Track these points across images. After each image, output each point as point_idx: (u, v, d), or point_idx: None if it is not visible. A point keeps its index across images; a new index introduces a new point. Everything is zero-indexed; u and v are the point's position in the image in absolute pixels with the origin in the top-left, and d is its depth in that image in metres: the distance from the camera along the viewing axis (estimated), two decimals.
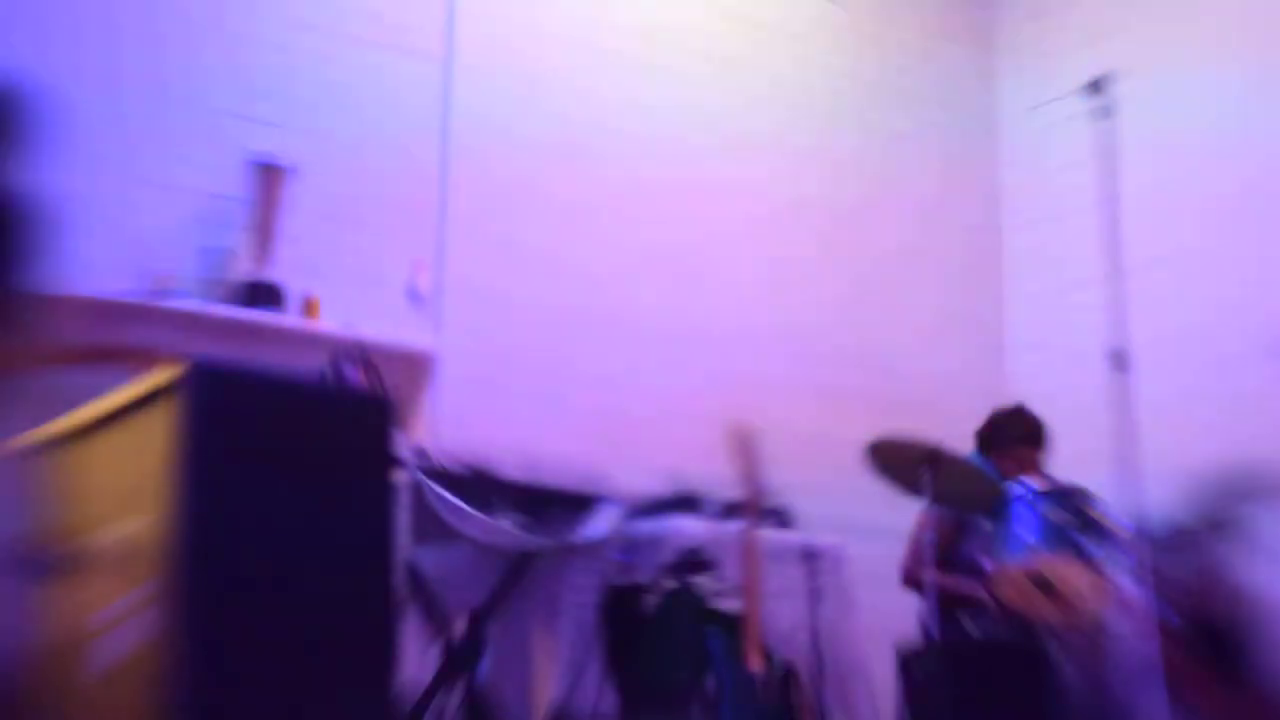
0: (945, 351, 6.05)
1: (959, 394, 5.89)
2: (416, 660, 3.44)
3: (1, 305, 2.70)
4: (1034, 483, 4.27)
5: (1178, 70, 5.62)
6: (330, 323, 4.42)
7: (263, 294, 4.38)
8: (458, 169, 5.00)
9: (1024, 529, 4.19)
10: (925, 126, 6.28)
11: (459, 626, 3.57)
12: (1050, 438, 4.67)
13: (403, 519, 3.14)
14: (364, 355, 4.00)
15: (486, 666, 3.62)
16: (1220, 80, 5.52)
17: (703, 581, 3.68)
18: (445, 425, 4.58)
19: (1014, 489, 4.20)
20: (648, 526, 3.81)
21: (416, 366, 4.53)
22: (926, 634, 4.01)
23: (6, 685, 2.63)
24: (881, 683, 4.24)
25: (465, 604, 3.58)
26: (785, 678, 3.77)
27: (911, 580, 4.46)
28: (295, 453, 2.50)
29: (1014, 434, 4.67)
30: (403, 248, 4.70)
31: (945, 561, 4.41)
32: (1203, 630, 4.00)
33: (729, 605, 3.67)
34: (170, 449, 2.35)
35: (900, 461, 4.02)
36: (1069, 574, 4.04)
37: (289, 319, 4.41)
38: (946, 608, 4.04)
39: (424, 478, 3.29)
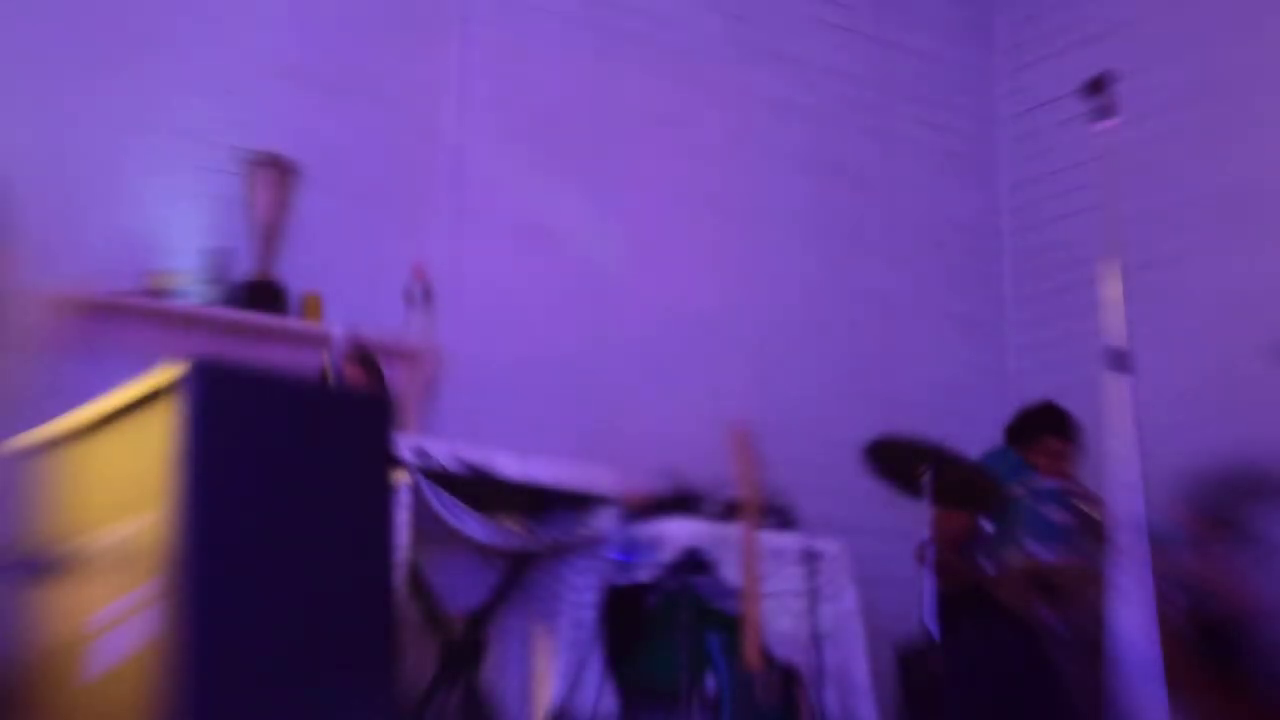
0: (945, 352, 6.05)
1: (959, 394, 5.90)
2: (416, 660, 3.44)
3: None
4: (1035, 482, 4.27)
5: (1177, 69, 5.61)
6: (331, 322, 4.42)
7: (263, 294, 4.38)
8: (459, 168, 5.01)
9: (1025, 529, 4.18)
10: (925, 126, 6.28)
11: (459, 626, 3.57)
12: (1081, 431, 4.67)
13: (403, 519, 3.14)
14: (365, 354, 4.01)
15: (486, 666, 3.62)
16: (1219, 78, 5.52)
17: (703, 581, 3.68)
18: (446, 425, 4.58)
19: (1015, 489, 4.20)
20: (648, 526, 3.81)
21: (417, 366, 4.53)
22: (926, 634, 4.01)
23: (6, 685, 2.63)
24: (881, 683, 4.24)
25: (465, 604, 3.58)
26: (785, 678, 3.77)
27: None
28: (295, 452, 2.49)
29: (1040, 425, 4.69)
30: (403, 247, 4.70)
31: (948, 562, 4.41)
32: (1204, 630, 4.00)
33: (729, 605, 3.68)
34: (170, 449, 2.34)
35: (900, 461, 4.01)
36: (1070, 574, 4.04)
37: (289, 319, 4.41)
38: (946, 608, 4.04)
39: (424, 478, 3.29)
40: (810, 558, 3.84)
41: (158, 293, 4.22)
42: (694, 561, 3.68)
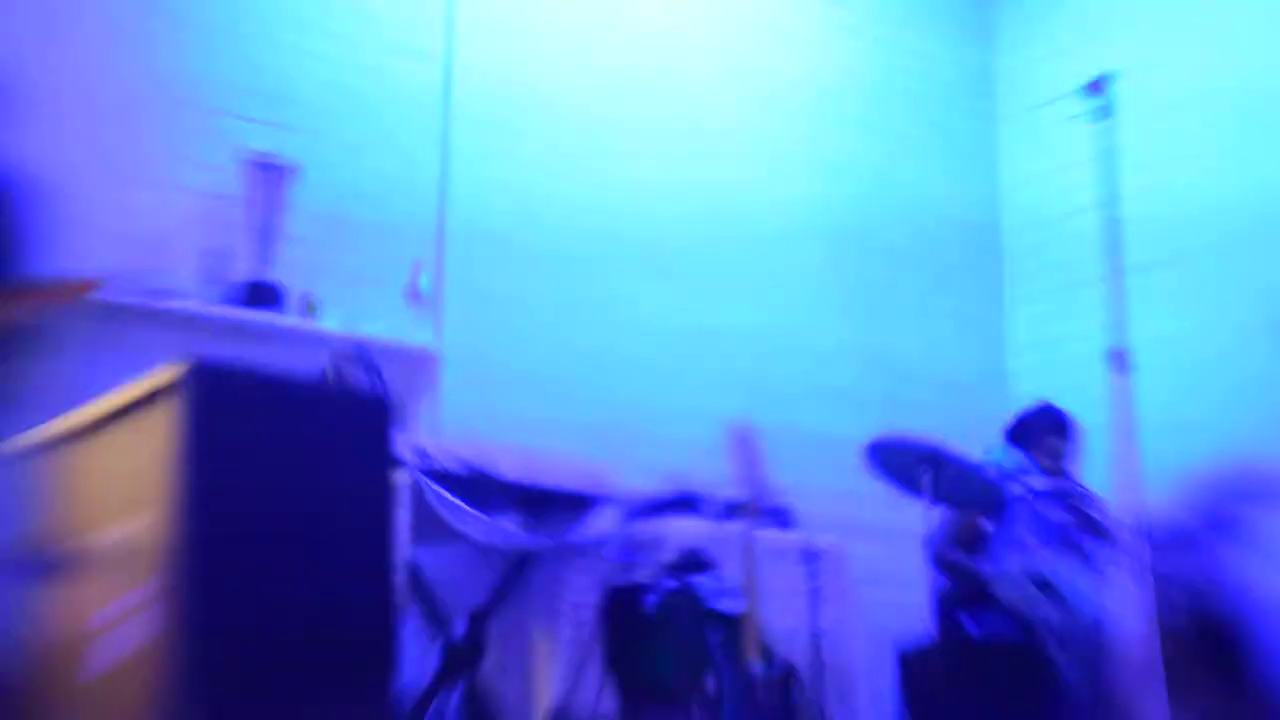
0: (945, 352, 6.05)
1: (960, 394, 5.89)
2: (416, 660, 3.44)
3: None
4: (1035, 482, 4.27)
5: (1178, 69, 5.61)
6: (330, 323, 4.42)
7: (263, 294, 4.38)
8: (458, 168, 5.00)
9: (1024, 529, 4.19)
10: (925, 126, 6.28)
11: (459, 626, 3.57)
12: (1078, 431, 4.68)
13: (403, 519, 3.13)
14: (364, 355, 4.00)
15: (486, 666, 3.62)
16: (1219, 78, 5.52)
17: (703, 581, 3.68)
18: (445, 425, 4.58)
19: (1014, 489, 4.20)
20: (648, 526, 3.80)
21: (417, 366, 4.53)
22: (927, 634, 4.01)
23: (7, 685, 2.63)
24: (881, 683, 4.24)
25: (465, 604, 3.58)
26: (785, 678, 3.77)
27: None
28: (295, 453, 2.49)
29: (1041, 425, 4.70)
30: (403, 247, 4.70)
31: (948, 561, 4.41)
32: (1203, 630, 4.00)
33: (729, 605, 3.67)
34: (170, 449, 2.34)
35: (900, 461, 4.02)
36: (1069, 574, 4.04)
37: (289, 319, 4.41)
38: (946, 607, 4.04)
39: (424, 478, 3.29)
40: (810, 558, 3.84)
41: (158, 293, 4.22)
42: (694, 561, 3.68)
